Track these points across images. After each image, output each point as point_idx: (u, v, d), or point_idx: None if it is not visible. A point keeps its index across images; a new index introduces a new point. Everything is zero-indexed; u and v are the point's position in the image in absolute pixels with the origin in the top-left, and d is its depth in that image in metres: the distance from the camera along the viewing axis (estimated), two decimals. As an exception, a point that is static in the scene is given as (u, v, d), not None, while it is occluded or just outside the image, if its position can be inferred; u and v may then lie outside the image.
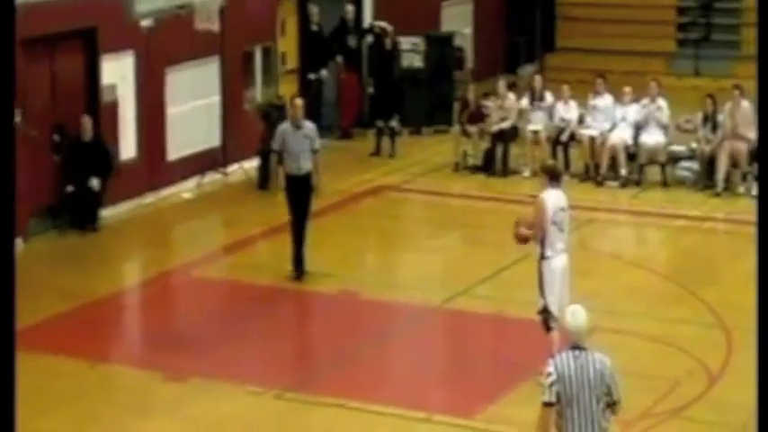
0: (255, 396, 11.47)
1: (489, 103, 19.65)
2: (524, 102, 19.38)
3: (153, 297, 14.75)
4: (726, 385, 11.66)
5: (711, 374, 11.86)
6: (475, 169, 19.28)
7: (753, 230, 15.96)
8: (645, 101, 18.68)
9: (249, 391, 11.55)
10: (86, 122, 16.57)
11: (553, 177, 11.50)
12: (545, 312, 11.33)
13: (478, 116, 19.59)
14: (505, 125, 19.21)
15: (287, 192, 14.75)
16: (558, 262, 11.39)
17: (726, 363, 12.15)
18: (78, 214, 16.42)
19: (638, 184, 18.51)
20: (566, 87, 19.18)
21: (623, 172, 18.54)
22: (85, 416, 11.12)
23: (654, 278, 14.94)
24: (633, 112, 18.71)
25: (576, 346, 7.74)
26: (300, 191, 14.68)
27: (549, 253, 11.36)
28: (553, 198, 11.39)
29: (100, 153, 16.58)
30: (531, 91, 19.45)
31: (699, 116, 18.44)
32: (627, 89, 18.88)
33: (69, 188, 16.31)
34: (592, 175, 18.71)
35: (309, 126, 14.82)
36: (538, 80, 19.64)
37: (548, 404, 7.74)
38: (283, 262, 14.93)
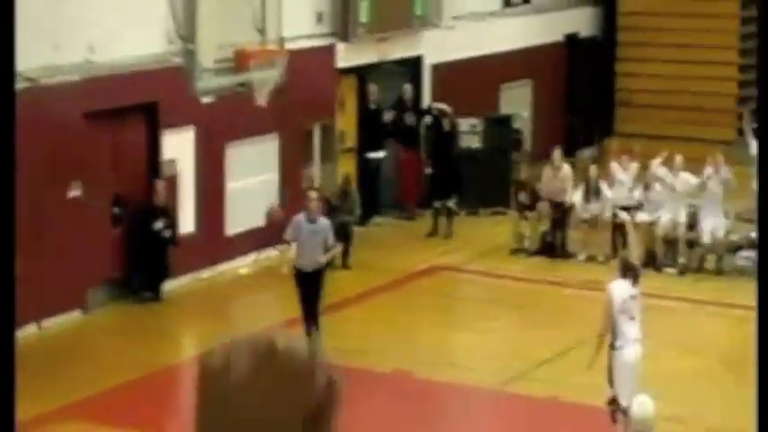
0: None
1: (544, 170, 19.54)
2: (577, 196, 19.15)
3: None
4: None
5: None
6: (533, 253, 19.17)
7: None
8: (709, 170, 18.35)
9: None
10: (161, 187, 16.63)
11: (627, 271, 11.52)
12: (613, 403, 11.12)
13: (534, 198, 19.50)
14: (559, 199, 19.03)
15: (296, 283, 14.64)
16: (630, 353, 11.27)
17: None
18: (141, 286, 16.48)
19: (698, 271, 18.30)
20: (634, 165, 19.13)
21: (681, 260, 18.34)
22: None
23: (714, 366, 14.72)
24: (682, 181, 18.44)
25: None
26: (309, 286, 14.53)
27: (619, 343, 11.27)
28: (620, 287, 11.37)
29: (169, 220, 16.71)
30: (587, 182, 19.26)
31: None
32: (678, 157, 18.60)
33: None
34: (650, 262, 18.53)
35: (324, 222, 14.68)
36: (593, 170, 19.43)
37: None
38: (338, 339, 14.91)
